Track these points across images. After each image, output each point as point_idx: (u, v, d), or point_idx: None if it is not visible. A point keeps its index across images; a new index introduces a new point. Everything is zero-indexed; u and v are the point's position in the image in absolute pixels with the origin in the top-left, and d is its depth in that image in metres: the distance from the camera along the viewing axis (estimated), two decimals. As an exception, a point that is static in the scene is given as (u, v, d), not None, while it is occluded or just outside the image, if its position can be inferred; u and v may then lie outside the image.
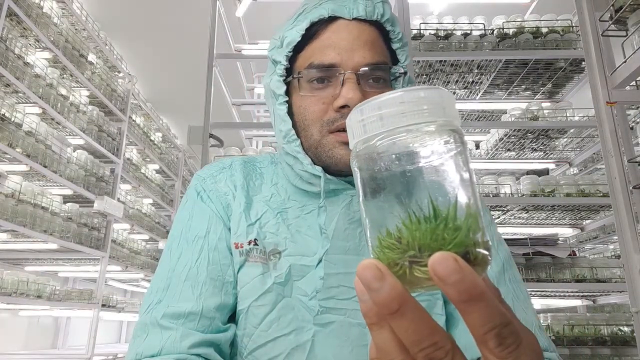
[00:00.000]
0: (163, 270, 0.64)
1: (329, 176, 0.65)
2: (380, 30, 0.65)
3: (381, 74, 0.63)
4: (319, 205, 0.66)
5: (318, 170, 0.64)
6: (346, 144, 0.61)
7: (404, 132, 0.26)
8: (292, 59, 0.66)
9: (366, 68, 0.62)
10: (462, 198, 0.26)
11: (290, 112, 0.67)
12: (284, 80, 0.66)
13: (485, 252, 0.25)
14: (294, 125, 0.66)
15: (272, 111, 0.68)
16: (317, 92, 0.63)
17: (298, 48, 0.65)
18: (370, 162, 0.27)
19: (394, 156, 0.26)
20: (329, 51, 0.62)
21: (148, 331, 0.58)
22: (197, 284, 0.61)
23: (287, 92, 0.67)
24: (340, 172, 0.65)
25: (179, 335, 0.57)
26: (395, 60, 0.68)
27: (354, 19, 0.63)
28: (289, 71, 0.67)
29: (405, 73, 0.67)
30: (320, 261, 0.62)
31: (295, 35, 0.64)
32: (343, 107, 0.61)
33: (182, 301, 0.60)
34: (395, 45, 0.67)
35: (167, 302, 0.60)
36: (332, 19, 0.63)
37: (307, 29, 0.63)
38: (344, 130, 0.62)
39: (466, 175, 0.26)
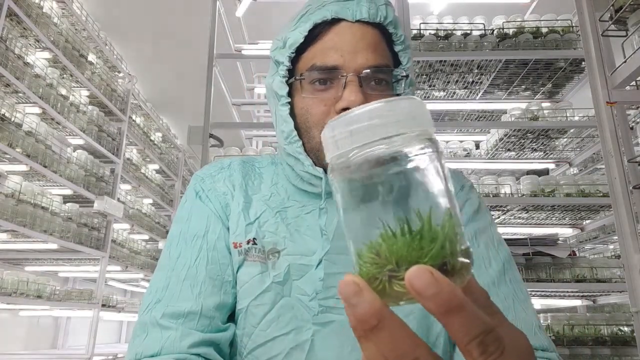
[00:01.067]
0: (162, 270, 0.64)
1: (330, 177, 0.64)
2: (383, 32, 0.65)
3: (383, 77, 0.63)
4: (319, 207, 0.66)
5: (319, 171, 0.64)
6: None
7: (376, 146, 0.25)
8: (294, 60, 0.66)
9: (368, 70, 0.61)
10: (438, 208, 0.25)
11: (292, 113, 0.66)
12: (286, 81, 0.65)
13: (466, 260, 0.25)
14: (296, 127, 0.66)
15: (274, 112, 0.68)
16: (319, 94, 0.63)
17: (301, 49, 0.65)
18: (346, 176, 0.27)
19: (368, 171, 0.26)
20: (331, 53, 0.62)
21: (148, 331, 0.58)
22: (196, 283, 0.61)
23: (290, 93, 0.66)
24: None
25: (178, 334, 0.57)
26: (397, 63, 0.68)
27: (357, 21, 0.63)
28: (291, 72, 0.66)
29: (407, 76, 0.67)
30: (320, 262, 0.62)
31: (297, 36, 0.63)
32: (345, 109, 0.60)
33: (182, 301, 0.60)
34: (397, 48, 0.67)
35: (167, 302, 0.60)
36: (335, 20, 0.63)
37: (310, 31, 0.63)
38: None
39: (441, 184, 0.26)
